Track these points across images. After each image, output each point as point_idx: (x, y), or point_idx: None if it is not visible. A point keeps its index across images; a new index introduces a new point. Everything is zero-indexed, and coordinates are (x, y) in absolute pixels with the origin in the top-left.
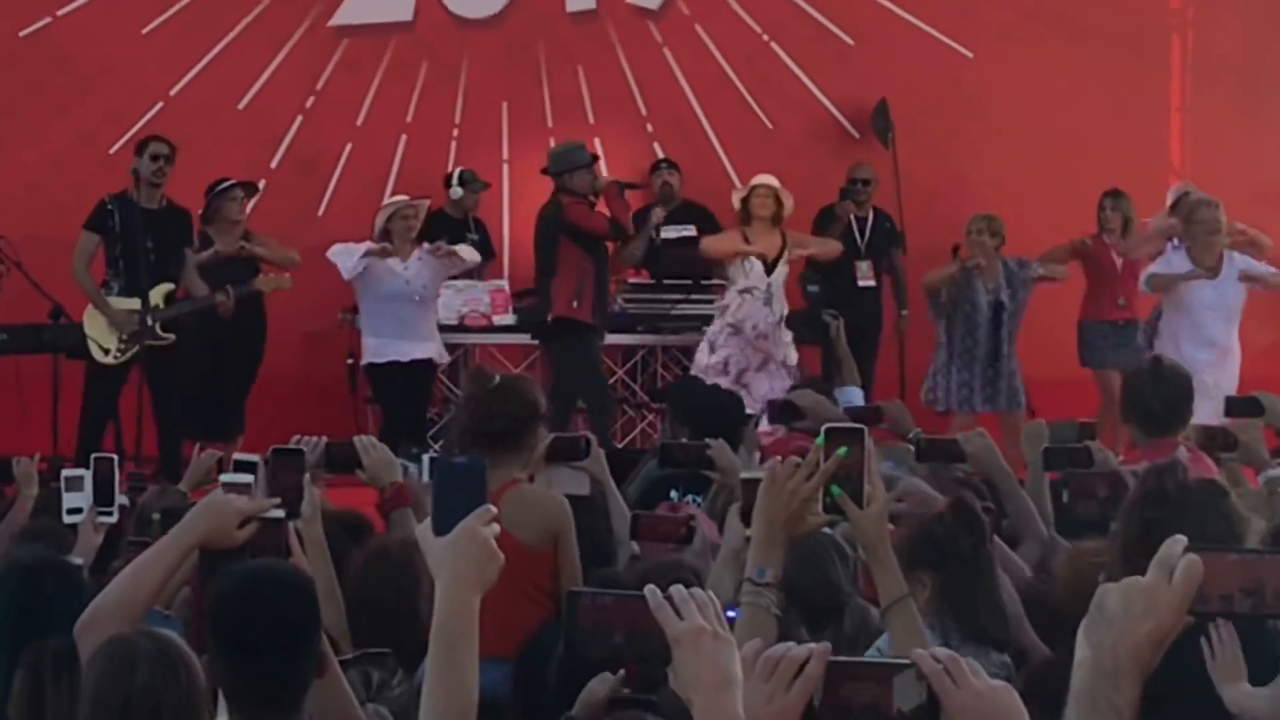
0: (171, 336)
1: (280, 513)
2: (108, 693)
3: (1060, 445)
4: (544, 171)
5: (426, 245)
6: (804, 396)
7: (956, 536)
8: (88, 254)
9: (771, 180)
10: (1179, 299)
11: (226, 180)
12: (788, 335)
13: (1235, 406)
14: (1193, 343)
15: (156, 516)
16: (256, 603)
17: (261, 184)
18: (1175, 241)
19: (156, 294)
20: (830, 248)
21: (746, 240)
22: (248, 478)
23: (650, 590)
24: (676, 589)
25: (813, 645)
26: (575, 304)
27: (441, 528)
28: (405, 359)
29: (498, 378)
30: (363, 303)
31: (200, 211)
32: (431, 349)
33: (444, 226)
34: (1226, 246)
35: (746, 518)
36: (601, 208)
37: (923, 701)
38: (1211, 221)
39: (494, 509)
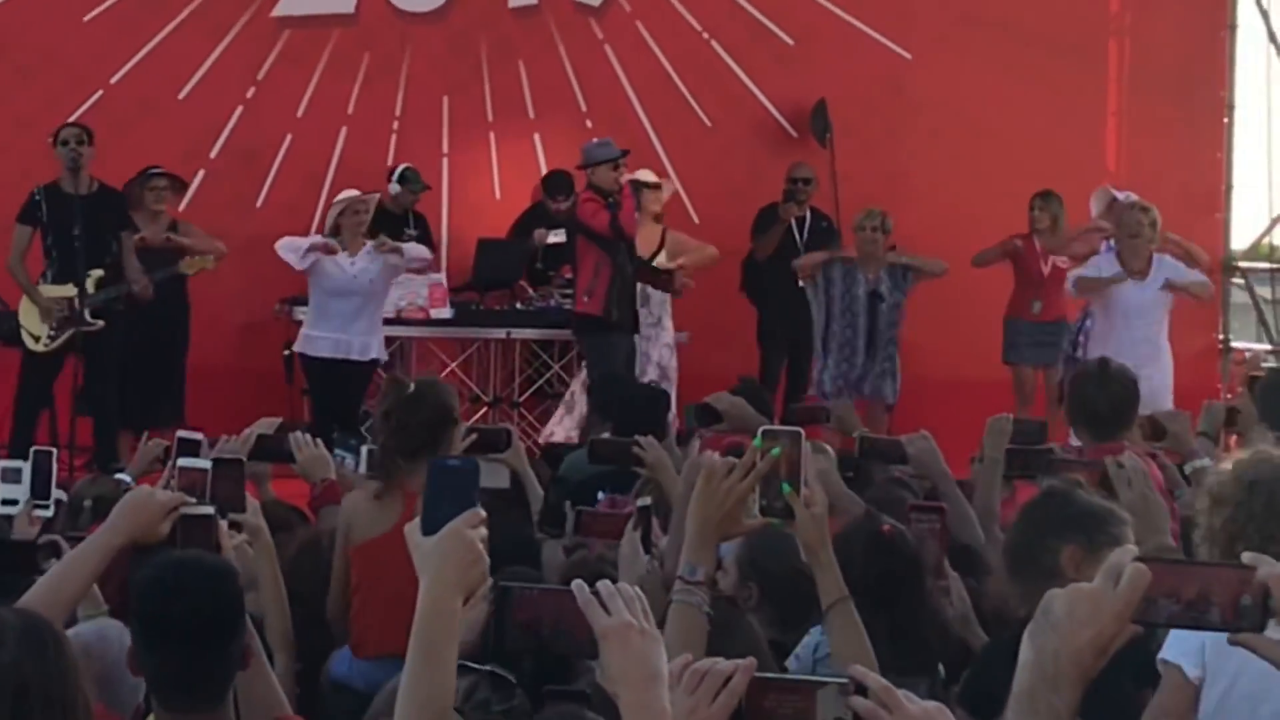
0: (100, 323)
1: (209, 508)
2: None
3: (1024, 448)
4: (577, 167)
5: (370, 242)
6: (721, 400)
7: (874, 568)
8: (21, 247)
9: (654, 175)
10: (1105, 301)
11: (154, 168)
12: (666, 336)
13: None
14: (1120, 345)
15: (88, 504)
16: (179, 592)
17: (200, 174)
18: (1110, 243)
19: (88, 281)
20: (706, 254)
21: None
22: (204, 463)
23: (578, 585)
24: (603, 584)
25: (738, 660)
26: (586, 299)
27: (430, 528)
28: (342, 356)
29: (411, 385)
30: (311, 296)
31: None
32: (373, 347)
33: (382, 221)
34: (1156, 250)
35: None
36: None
37: (846, 718)
38: (1131, 225)
39: (484, 513)
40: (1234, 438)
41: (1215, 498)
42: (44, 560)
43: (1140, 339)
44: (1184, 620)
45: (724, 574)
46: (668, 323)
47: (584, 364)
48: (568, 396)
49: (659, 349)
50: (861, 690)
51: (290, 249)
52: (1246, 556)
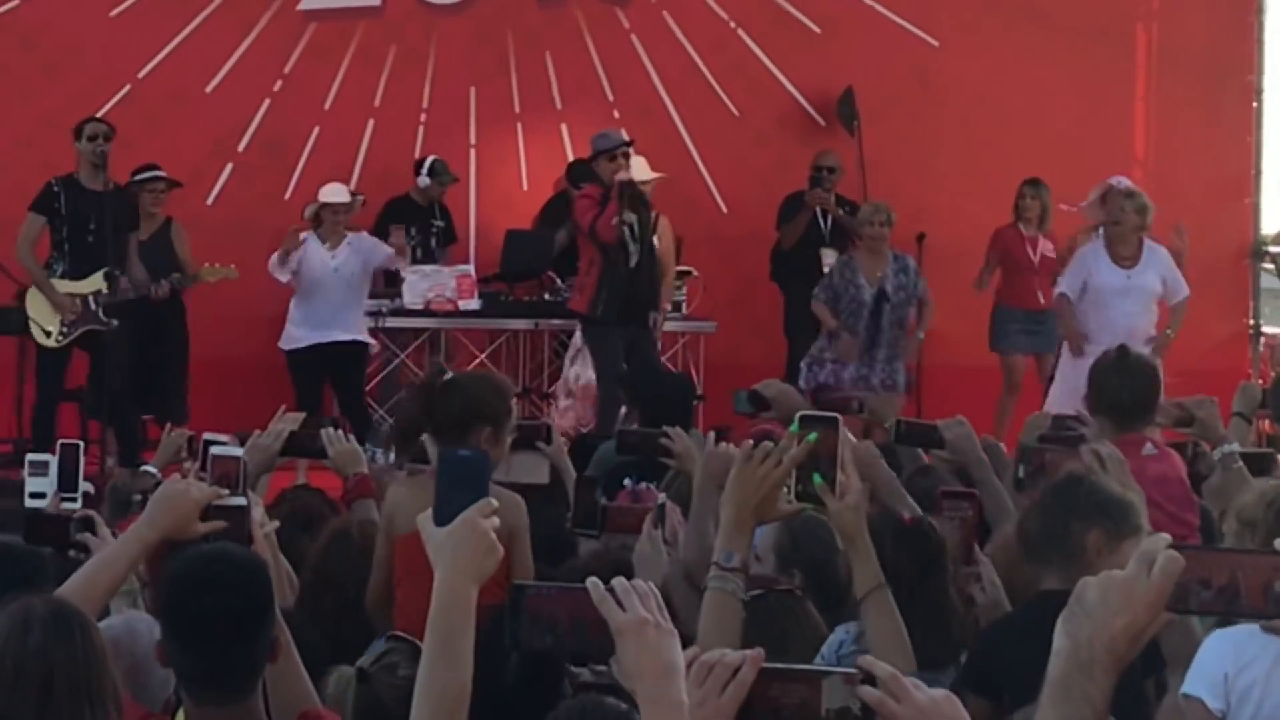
0: (115, 322)
1: (242, 500)
2: (1, 657)
3: (1056, 433)
4: (586, 159)
5: (351, 235)
6: (770, 386)
7: (899, 558)
8: (32, 237)
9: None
10: (1088, 286)
11: (151, 169)
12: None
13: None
14: (1104, 331)
15: (137, 498)
16: (209, 585)
17: (229, 167)
18: (1098, 232)
19: (97, 278)
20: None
21: None
22: (237, 450)
23: (592, 582)
24: (618, 580)
25: (747, 652)
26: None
27: (442, 518)
28: (326, 340)
29: (450, 374)
30: (295, 292)
31: None
32: (356, 329)
33: (409, 212)
34: (1146, 235)
35: None
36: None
37: (854, 707)
38: (1115, 211)
39: (495, 502)
40: (1266, 421)
41: (1244, 521)
42: (76, 533)
43: (1120, 326)
44: (1214, 607)
45: (759, 562)
46: None
47: (571, 357)
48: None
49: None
50: (870, 680)
51: (275, 268)
52: (1278, 543)
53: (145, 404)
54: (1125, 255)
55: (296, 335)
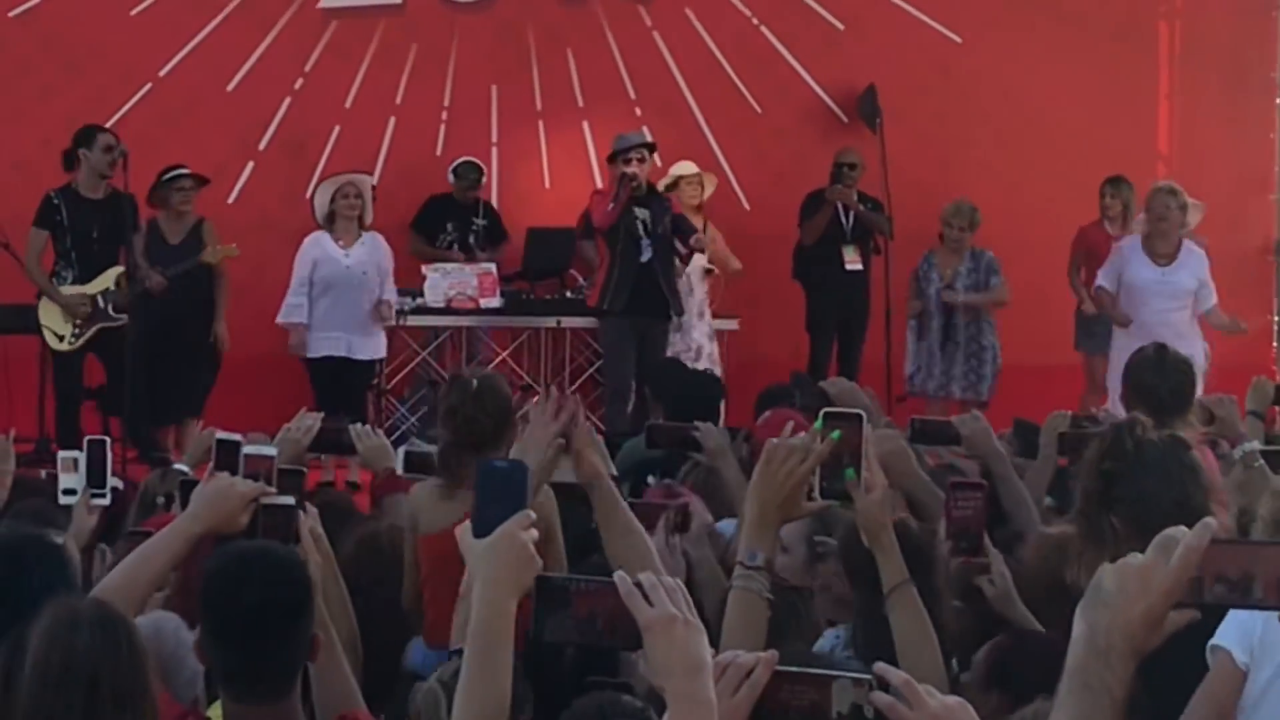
0: (124, 318)
1: (290, 499)
2: (47, 659)
3: (1080, 431)
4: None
5: (365, 235)
6: (834, 384)
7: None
8: (37, 250)
9: (694, 168)
10: (1123, 286)
11: (178, 168)
12: (705, 325)
13: None
14: (1137, 326)
15: (161, 500)
16: (248, 582)
17: (249, 166)
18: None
19: (109, 277)
20: (731, 265)
21: None
22: (271, 450)
23: (620, 577)
24: (646, 576)
25: (760, 654)
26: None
27: (482, 530)
28: (343, 355)
29: (475, 381)
30: (311, 291)
31: (146, 195)
32: (371, 345)
33: (448, 209)
34: (1187, 235)
35: None
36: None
37: (866, 711)
38: (1159, 208)
39: (534, 515)
40: None
41: (1269, 524)
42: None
43: (1158, 322)
44: (1229, 599)
45: (788, 555)
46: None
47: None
48: None
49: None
50: (884, 685)
51: (288, 310)
52: None
53: (159, 401)
54: (1163, 253)
55: (314, 344)
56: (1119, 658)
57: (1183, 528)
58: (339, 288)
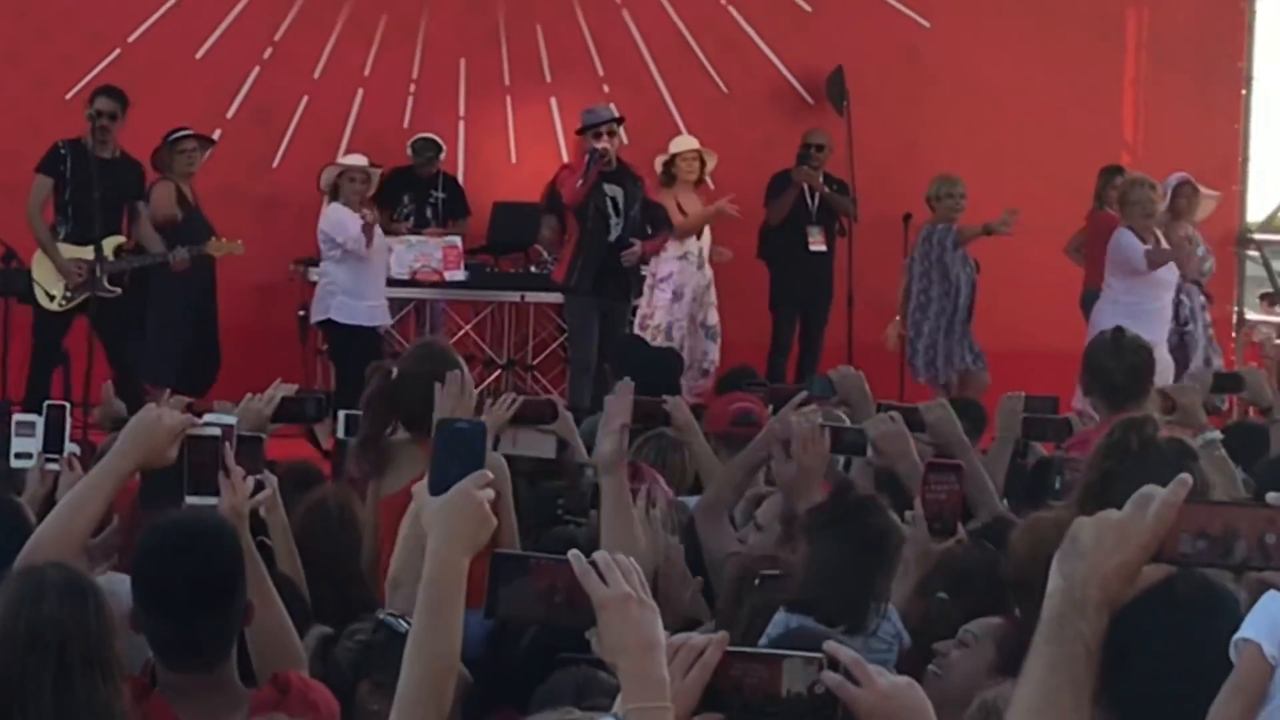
0: (118, 290)
1: (216, 430)
2: (14, 624)
3: (1040, 416)
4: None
5: (365, 212)
6: (841, 372)
7: (825, 528)
8: (40, 198)
9: (695, 143)
10: (1128, 274)
11: (183, 130)
12: (713, 297)
13: (1219, 382)
14: (1142, 316)
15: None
16: (178, 554)
17: (217, 134)
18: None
19: (107, 246)
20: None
21: (679, 206)
22: (230, 419)
23: (574, 555)
24: (600, 554)
25: (712, 635)
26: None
27: (437, 488)
28: (368, 324)
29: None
30: (339, 265)
31: (150, 158)
32: (379, 314)
33: (408, 182)
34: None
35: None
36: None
37: (815, 684)
38: (1145, 203)
39: (490, 474)
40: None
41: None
42: None
43: (1154, 309)
44: (1208, 557)
45: (762, 533)
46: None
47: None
48: None
49: (708, 310)
50: (834, 665)
51: (340, 225)
52: (1270, 497)
53: (183, 373)
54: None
55: (369, 311)
56: (1094, 609)
57: (1156, 486)
58: (350, 259)
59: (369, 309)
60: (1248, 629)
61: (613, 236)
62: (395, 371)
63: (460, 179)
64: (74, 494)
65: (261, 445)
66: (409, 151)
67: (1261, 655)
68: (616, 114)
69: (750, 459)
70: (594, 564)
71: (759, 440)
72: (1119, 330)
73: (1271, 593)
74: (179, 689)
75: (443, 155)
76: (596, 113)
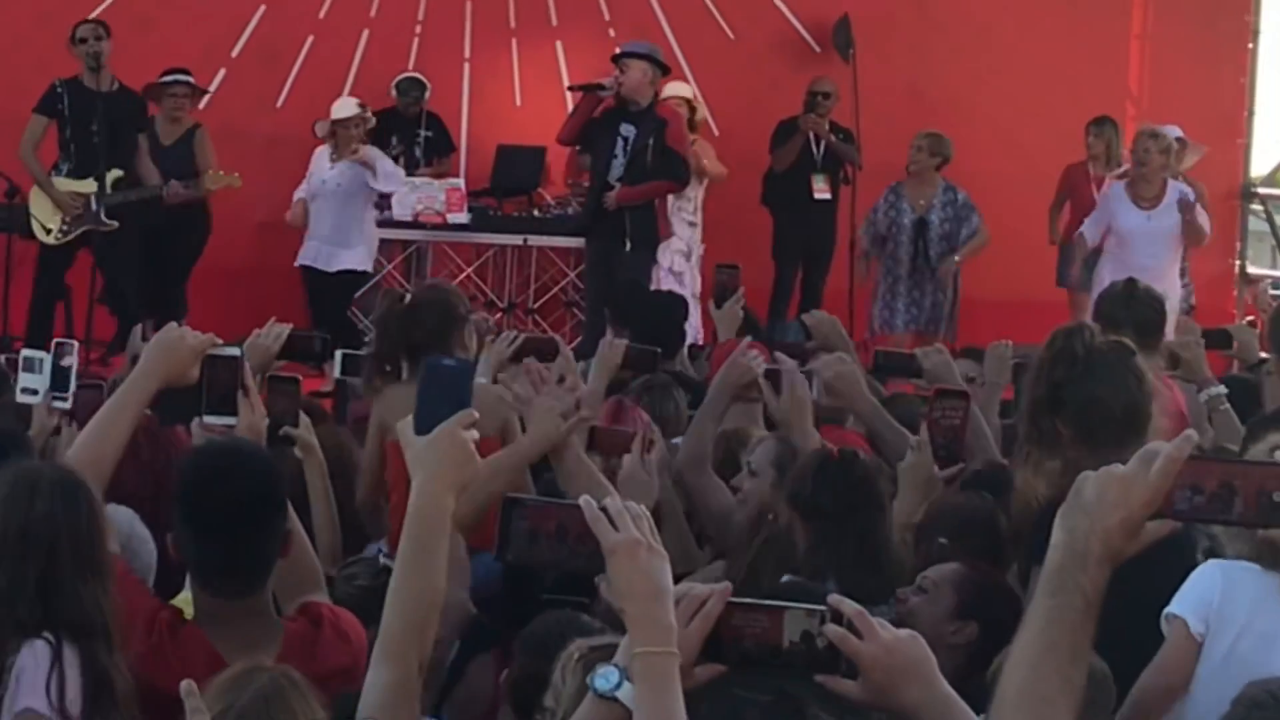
0: (115, 224)
1: (236, 350)
2: (7, 521)
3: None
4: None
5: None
6: (815, 316)
7: (821, 491)
8: (35, 137)
9: (686, 89)
10: (1115, 228)
11: (175, 74)
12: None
13: (1208, 339)
14: (1125, 273)
15: None
16: (222, 478)
17: (221, 73)
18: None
19: (109, 180)
20: (717, 170)
21: None
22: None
23: (585, 501)
24: (611, 500)
25: (714, 585)
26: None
27: (423, 427)
28: (330, 269)
29: (406, 296)
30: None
31: (142, 90)
32: (356, 258)
33: (394, 123)
34: (1171, 176)
35: None
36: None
37: (817, 636)
38: (1139, 153)
39: (476, 414)
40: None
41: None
42: None
43: (1145, 266)
44: (1208, 513)
45: (757, 479)
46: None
47: None
48: None
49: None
50: (837, 617)
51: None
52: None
53: (148, 307)
54: (1146, 197)
55: (304, 253)
56: (1096, 563)
57: (1163, 442)
58: (321, 200)
59: (310, 248)
60: (1176, 604)
61: (613, 176)
62: (408, 297)
63: (465, 121)
64: (102, 415)
65: (298, 385)
66: (393, 92)
67: (1187, 631)
68: (643, 51)
69: (714, 409)
70: (604, 509)
71: (716, 389)
72: (1131, 282)
73: (1205, 566)
74: (217, 617)
75: (428, 94)
76: (625, 45)
